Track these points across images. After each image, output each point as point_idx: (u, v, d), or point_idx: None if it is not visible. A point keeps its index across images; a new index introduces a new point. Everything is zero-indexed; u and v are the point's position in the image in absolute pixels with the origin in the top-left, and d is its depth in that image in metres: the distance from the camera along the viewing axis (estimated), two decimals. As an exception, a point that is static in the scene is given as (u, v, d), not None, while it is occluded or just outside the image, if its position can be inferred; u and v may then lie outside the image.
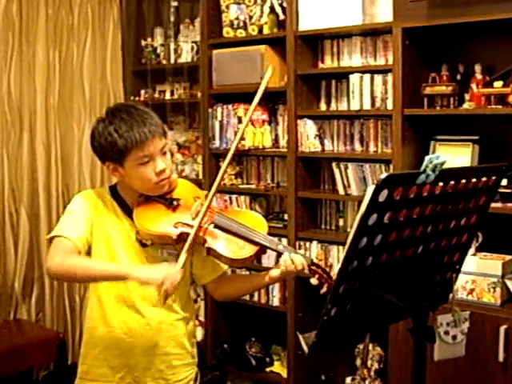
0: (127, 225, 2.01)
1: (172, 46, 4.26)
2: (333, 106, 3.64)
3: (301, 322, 3.64)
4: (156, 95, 4.40)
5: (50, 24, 4.04)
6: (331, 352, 3.67)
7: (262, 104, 3.84)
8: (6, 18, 3.84)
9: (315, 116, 3.61)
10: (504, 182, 2.88)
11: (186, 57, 4.19)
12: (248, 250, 1.93)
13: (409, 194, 1.41)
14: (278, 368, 3.92)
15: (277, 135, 3.83)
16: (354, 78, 3.41)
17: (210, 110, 3.93)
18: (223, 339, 4.03)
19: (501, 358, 2.78)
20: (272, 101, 3.79)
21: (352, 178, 3.47)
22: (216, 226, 1.95)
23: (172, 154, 3.92)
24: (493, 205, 2.12)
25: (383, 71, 3.32)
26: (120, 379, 2.04)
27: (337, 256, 3.54)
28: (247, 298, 3.87)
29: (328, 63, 3.62)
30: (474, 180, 1.56)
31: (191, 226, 1.92)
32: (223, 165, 1.98)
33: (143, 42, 4.39)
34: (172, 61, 4.27)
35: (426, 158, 1.41)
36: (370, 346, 3.50)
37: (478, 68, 3.10)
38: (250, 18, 3.79)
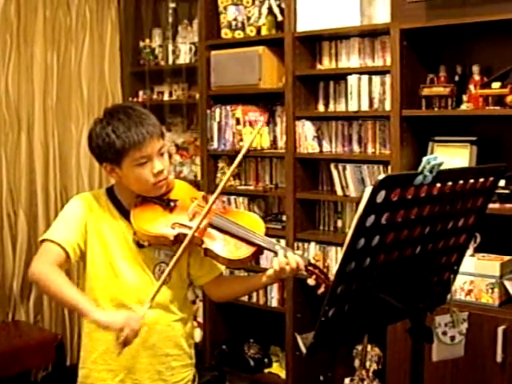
0: (124, 226, 2.00)
1: (170, 47, 4.26)
2: (331, 107, 3.64)
3: (299, 322, 3.64)
4: (154, 96, 4.40)
5: (47, 25, 4.04)
6: (330, 353, 3.67)
7: (260, 105, 3.86)
8: (3, 19, 3.84)
9: (313, 117, 3.61)
10: (502, 182, 2.88)
11: (184, 58, 4.19)
12: (245, 251, 1.93)
13: (406, 195, 1.41)
14: (277, 369, 3.92)
15: (275, 136, 3.83)
16: (352, 79, 3.41)
17: (208, 111, 3.93)
18: (222, 340, 4.03)
19: (499, 358, 2.78)
20: (270, 102, 3.80)
21: (350, 179, 3.47)
22: (213, 227, 1.95)
23: (170, 155, 3.92)
24: (491, 206, 2.13)
25: (381, 72, 3.32)
26: (119, 382, 2.04)
27: (335, 257, 3.54)
28: (245, 298, 3.87)
29: (326, 64, 3.62)
30: (471, 181, 1.56)
31: (188, 227, 1.92)
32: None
33: (141, 43, 4.39)
34: (170, 62, 4.27)
35: (424, 159, 1.41)
36: (369, 347, 3.50)
37: (475, 69, 3.10)
38: (248, 19, 3.79)
